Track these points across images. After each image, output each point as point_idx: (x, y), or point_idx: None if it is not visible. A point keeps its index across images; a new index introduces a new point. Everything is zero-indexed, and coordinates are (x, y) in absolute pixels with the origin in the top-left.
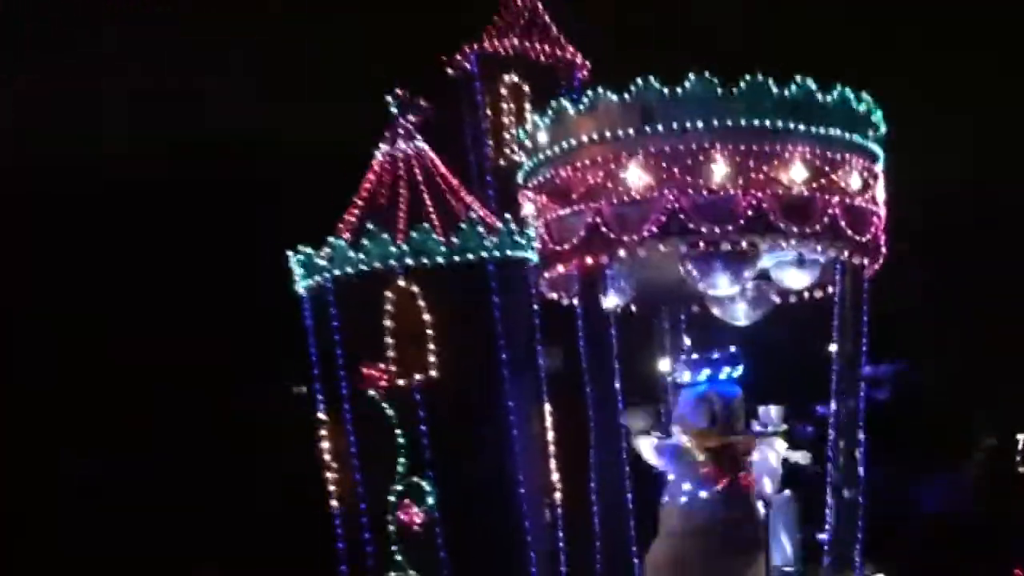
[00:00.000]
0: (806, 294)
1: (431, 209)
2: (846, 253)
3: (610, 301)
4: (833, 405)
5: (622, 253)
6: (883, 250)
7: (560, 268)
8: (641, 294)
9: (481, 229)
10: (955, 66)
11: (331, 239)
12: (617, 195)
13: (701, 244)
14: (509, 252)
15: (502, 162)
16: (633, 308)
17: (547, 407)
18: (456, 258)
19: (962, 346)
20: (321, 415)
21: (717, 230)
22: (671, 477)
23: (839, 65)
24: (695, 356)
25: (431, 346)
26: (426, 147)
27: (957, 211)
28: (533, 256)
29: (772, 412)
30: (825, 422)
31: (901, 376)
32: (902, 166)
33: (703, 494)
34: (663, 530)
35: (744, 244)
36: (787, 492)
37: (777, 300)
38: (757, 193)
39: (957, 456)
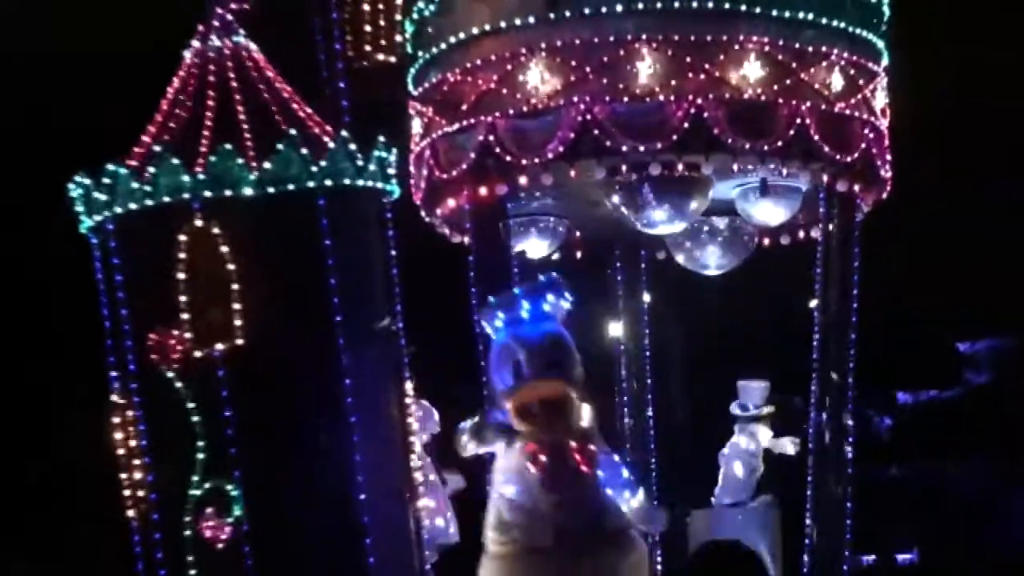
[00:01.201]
0: (800, 234)
1: (245, 126)
2: (825, 177)
3: (534, 247)
4: (814, 381)
5: (522, 180)
6: (884, 174)
7: (451, 202)
8: (582, 236)
9: (305, 151)
10: None
11: (111, 166)
12: (515, 104)
13: (623, 168)
14: (348, 180)
15: (365, 63)
16: (578, 255)
17: (409, 385)
18: (270, 188)
19: None
20: (115, 397)
21: (642, 148)
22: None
23: None
24: (491, 299)
25: (237, 305)
26: (250, 44)
27: None
28: (390, 186)
29: (753, 389)
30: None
31: (1004, 355)
32: None
33: (509, 490)
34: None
35: (681, 167)
36: (766, 496)
37: (765, 242)
38: (696, 99)
39: None
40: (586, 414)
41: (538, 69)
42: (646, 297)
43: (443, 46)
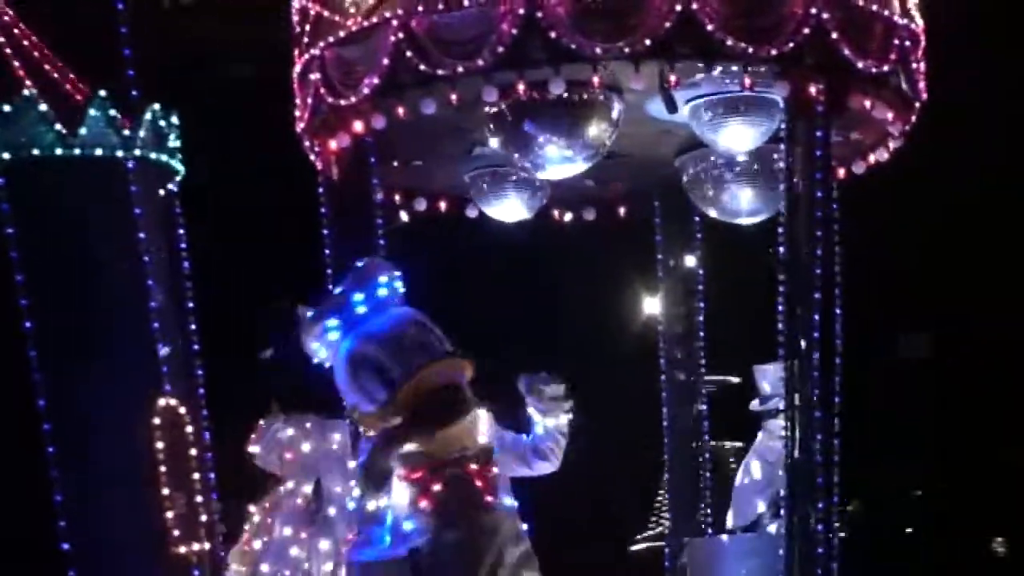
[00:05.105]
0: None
1: None
2: (747, 81)
3: (511, 208)
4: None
5: (357, 126)
6: (864, 66)
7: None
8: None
9: None
10: None
11: None
12: (334, 30)
13: (453, 98)
14: (39, 151)
15: None
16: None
17: (170, 403)
18: None
19: None
20: None
21: (461, 68)
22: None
23: None
24: (307, 314)
25: None
26: None
27: None
28: (127, 153)
29: (771, 373)
30: None
31: None
32: None
33: (408, 525)
34: None
35: (521, 87)
36: None
37: None
38: None
39: None
40: (483, 425)
41: None
42: (690, 261)
43: None
